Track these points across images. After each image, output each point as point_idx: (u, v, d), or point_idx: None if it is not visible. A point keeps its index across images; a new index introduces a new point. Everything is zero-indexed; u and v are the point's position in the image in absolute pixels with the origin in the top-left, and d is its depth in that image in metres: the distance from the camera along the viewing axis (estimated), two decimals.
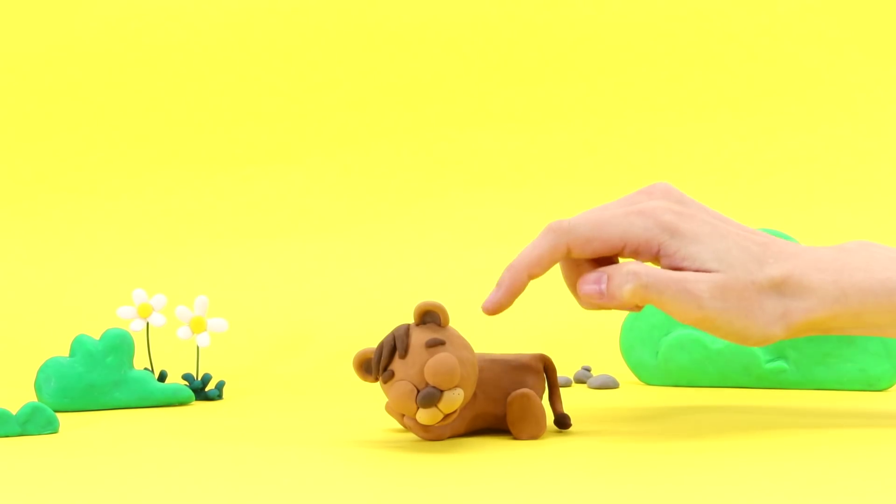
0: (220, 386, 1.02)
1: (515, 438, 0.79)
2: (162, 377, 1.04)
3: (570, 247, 0.79)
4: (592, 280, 0.78)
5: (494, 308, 0.79)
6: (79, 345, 0.95)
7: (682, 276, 0.77)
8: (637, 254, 0.79)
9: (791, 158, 1.37)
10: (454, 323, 1.05)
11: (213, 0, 1.44)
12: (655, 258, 0.79)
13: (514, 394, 0.79)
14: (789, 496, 0.60)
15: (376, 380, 0.76)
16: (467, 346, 0.76)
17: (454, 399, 0.73)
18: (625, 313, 1.11)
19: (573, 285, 0.82)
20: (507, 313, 1.22)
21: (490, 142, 1.42)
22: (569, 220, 0.79)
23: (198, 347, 1.03)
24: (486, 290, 1.33)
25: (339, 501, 0.60)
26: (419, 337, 0.75)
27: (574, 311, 1.27)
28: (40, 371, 0.95)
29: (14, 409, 0.84)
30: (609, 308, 0.79)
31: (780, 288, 0.78)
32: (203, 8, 1.44)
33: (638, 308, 0.81)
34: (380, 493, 0.62)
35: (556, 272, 1.34)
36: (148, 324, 1.03)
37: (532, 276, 0.79)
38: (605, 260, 0.81)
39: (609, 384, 1.07)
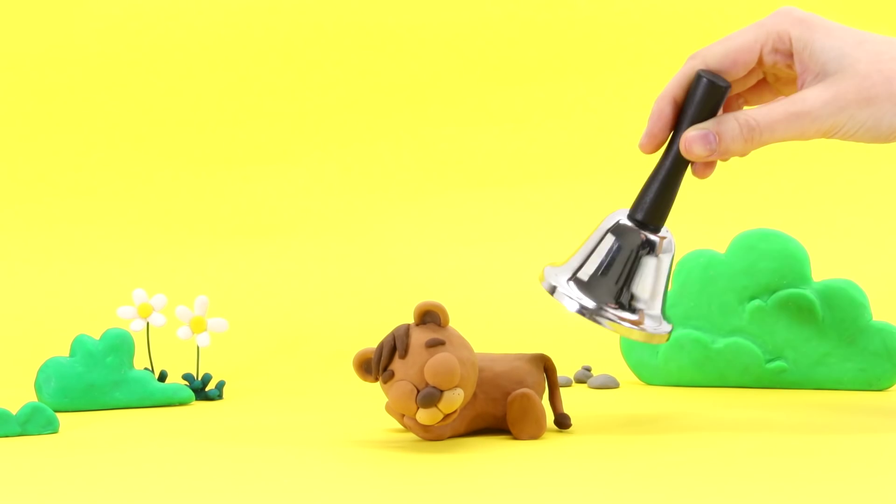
0: (220, 386, 1.02)
1: (515, 438, 0.79)
2: (162, 377, 1.04)
3: (707, 62, 0.78)
4: (699, 138, 0.78)
5: (647, 141, 0.80)
6: (79, 345, 0.95)
7: (789, 101, 0.77)
8: (775, 53, 0.78)
9: (791, 158, 1.37)
10: (454, 323, 1.04)
11: (213, 0, 1.44)
12: (789, 57, 0.78)
13: (514, 394, 0.79)
14: (789, 496, 0.60)
15: (376, 380, 0.76)
16: (467, 346, 0.76)
17: (454, 399, 0.73)
18: None
19: (661, 135, 0.81)
20: (508, 313, 1.22)
21: (490, 142, 1.42)
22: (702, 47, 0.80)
23: (198, 347, 1.03)
24: (486, 290, 1.33)
25: (339, 501, 0.60)
26: (419, 337, 0.75)
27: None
28: (40, 371, 0.95)
29: (14, 409, 0.84)
30: (717, 159, 0.79)
31: None
32: (203, 8, 1.44)
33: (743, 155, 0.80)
34: (380, 493, 0.62)
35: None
36: (148, 324, 1.03)
37: (676, 101, 0.79)
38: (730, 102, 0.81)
39: (609, 384, 1.07)
